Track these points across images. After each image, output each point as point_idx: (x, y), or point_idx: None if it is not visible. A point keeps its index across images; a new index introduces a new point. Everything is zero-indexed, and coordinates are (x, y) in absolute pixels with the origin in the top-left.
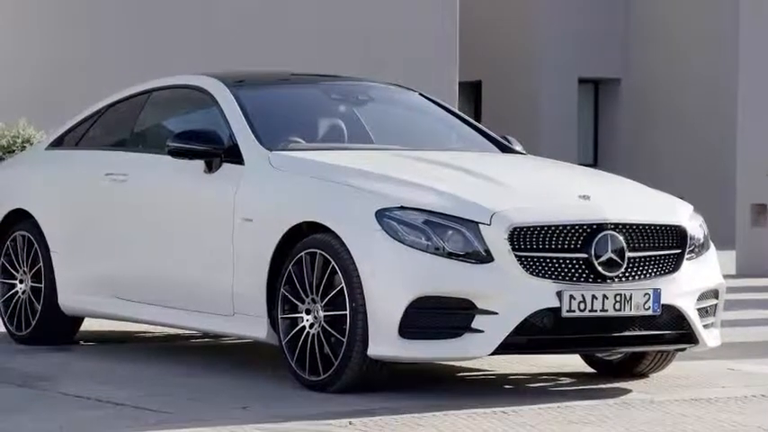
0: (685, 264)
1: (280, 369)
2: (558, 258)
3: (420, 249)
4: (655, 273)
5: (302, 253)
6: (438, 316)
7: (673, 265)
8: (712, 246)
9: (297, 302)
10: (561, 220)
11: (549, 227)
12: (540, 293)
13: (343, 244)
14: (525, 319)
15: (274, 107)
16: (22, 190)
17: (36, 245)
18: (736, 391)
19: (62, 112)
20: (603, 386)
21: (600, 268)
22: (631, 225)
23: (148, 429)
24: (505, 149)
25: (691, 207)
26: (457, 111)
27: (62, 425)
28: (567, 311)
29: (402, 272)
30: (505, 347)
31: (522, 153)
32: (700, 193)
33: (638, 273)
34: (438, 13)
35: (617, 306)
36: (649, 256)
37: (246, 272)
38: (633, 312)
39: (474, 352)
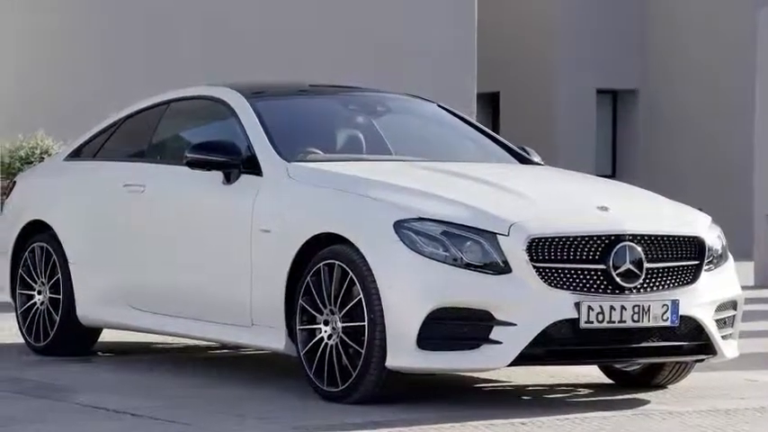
0: (703, 275)
1: (298, 380)
2: (576, 269)
3: (438, 260)
4: (673, 284)
5: (320, 264)
6: (456, 327)
7: (691, 276)
8: (730, 257)
9: (315, 313)
10: (579, 232)
11: (568, 238)
12: (559, 304)
13: (361, 255)
14: (543, 331)
15: (292, 118)
16: (41, 201)
17: (54, 256)
18: (754, 402)
19: (80, 123)
20: (621, 397)
21: (618, 279)
22: (650, 236)
23: None
24: (523, 160)
25: (709, 218)
26: (475, 122)
27: None
28: (586, 322)
29: (420, 283)
30: (523, 358)
31: (540, 164)
32: (718, 203)
33: (657, 284)
34: (456, 24)
35: (635, 317)
36: (667, 268)
37: (264, 283)
38: (651, 323)
39: (492, 363)
